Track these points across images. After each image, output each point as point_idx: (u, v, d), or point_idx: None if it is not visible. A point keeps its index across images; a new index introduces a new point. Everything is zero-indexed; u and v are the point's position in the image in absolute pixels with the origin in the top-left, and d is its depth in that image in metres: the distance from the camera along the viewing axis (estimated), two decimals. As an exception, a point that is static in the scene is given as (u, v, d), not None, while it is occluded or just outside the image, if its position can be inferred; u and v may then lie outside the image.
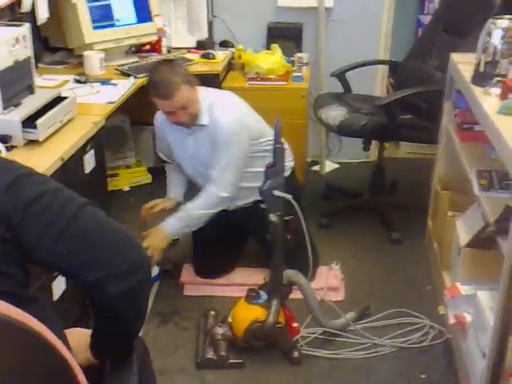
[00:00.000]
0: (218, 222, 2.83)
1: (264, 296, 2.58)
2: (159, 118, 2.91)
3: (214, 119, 2.69)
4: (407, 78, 3.61)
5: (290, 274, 2.58)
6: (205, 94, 2.75)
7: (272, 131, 2.47)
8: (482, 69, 2.50)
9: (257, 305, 2.57)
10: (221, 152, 2.69)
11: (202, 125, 2.72)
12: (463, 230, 2.57)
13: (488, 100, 2.33)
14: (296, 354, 2.53)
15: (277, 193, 2.43)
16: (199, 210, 2.73)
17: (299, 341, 2.61)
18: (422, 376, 2.46)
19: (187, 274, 3.06)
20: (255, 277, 2.87)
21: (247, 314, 2.57)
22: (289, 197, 2.45)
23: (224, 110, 2.71)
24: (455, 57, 2.94)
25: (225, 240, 3.00)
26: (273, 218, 2.45)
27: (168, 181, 3.07)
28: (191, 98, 2.64)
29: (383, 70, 4.21)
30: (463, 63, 2.78)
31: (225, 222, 2.88)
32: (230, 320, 2.62)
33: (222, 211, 2.80)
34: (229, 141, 2.67)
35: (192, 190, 3.02)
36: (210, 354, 2.50)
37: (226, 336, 2.55)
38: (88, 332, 1.42)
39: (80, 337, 1.44)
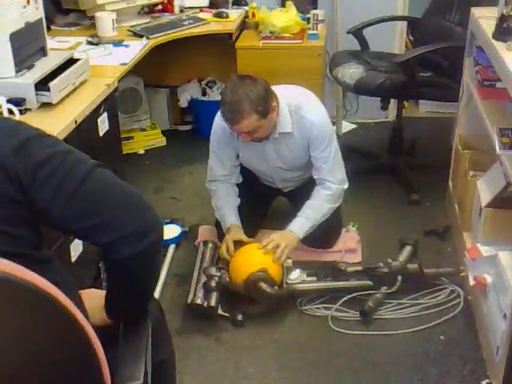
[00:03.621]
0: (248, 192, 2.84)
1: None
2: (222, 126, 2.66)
3: (302, 123, 2.61)
4: (427, 35, 3.52)
5: None
6: (287, 98, 2.60)
7: None
8: (504, 23, 2.43)
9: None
10: (323, 148, 2.66)
11: (285, 133, 2.63)
12: (484, 189, 2.53)
13: (510, 55, 2.26)
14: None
15: None
16: (328, 204, 2.71)
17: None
18: (441, 337, 2.45)
19: (204, 235, 3.05)
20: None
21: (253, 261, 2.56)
22: None
23: (312, 110, 2.65)
24: (476, 11, 2.85)
25: (252, 208, 2.90)
26: None
27: (221, 206, 2.81)
28: (261, 125, 2.48)
29: (401, 26, 4.11)
30: (484, 18, 2.70)
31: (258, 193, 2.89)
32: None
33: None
34: (326, 137, 2.67)
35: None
36: (201, 300, 2.50)
37: (221, 283, 2.53)
38: (103, 293, 1.41)
39: (95, 297, 1.44)
